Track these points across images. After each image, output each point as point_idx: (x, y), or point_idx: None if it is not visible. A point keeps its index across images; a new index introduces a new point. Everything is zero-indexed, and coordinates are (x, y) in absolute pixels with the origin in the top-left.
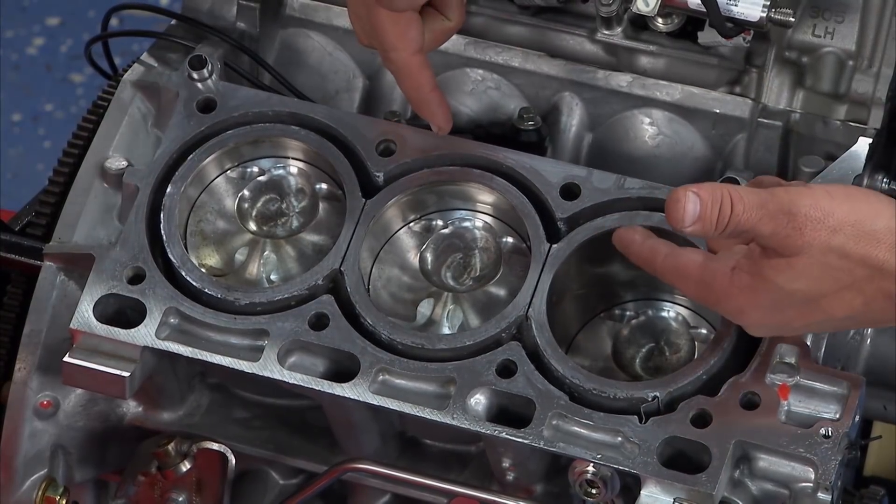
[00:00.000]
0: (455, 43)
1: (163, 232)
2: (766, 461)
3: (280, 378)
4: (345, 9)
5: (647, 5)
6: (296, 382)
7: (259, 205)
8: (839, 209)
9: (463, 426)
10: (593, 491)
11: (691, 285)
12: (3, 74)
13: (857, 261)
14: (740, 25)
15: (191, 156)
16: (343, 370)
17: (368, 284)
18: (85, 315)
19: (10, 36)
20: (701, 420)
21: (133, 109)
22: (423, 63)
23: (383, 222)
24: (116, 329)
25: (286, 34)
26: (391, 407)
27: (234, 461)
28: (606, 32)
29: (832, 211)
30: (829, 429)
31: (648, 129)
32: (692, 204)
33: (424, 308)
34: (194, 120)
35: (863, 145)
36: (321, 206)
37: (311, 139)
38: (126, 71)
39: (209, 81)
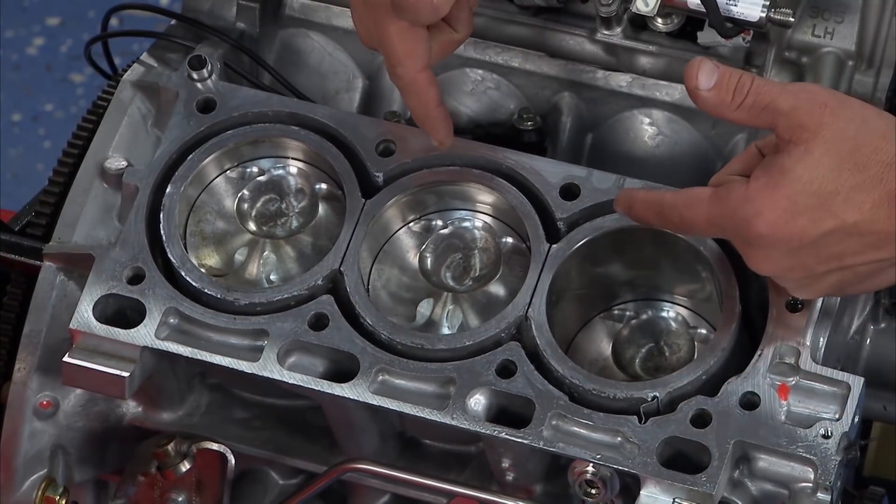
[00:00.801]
0: None
1: (162, 232)
2: (765, 461)
3: (280, 378)
4: (345, 9)
5: (647, 5)
6: (295, 383)
7: (259, 205)
8: (854, 101)
9: (462, 426)
10: (593, 491)
11: (703, 209)
12: (3, 74)
13: (868, 153)
14: (740, 25)
15: (190, 156)
16: (343, 370)
17: (368, 284)
18: (85, 315)
19: (10, 36)
20: (701, 420)
21: (133, 109)
22: (429, 79)
23: (383, 222)
24: (116, 329)
25: (286, 34)
26: (391, 407)
27: (233, 461)
28: (606, 32)
29: (850, 102)
30: (829, 429)
31: (648, 129)
32: (709, 67)
33: (424, 308)
34: (194, 120)
35: None
36: (321, 206)
37: (311, 139)
38: (126, 71)
39: (209, 81)
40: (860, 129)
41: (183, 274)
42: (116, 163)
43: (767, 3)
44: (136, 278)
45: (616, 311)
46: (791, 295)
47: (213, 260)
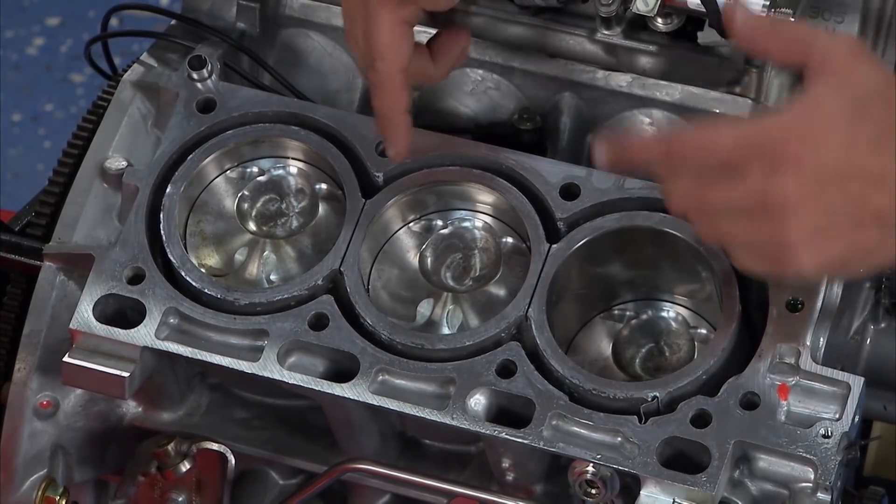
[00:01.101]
0: None
1: (162, 232)
2: (765, 461)
3: (280, 378)
4: None
5: (647, 5)
6: (295, 383)
7: (259, 205)
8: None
9: (462, 426)
10: (593, 491)
11: (730, 129)
12: (3, 74)
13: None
14: None
15: (190, 156)
16: (343, 370)
17: (368, 285)
18: (84, 315)
19: (10, 36)
20: (701, 420)
21: (133, 109)
22: (405, 83)
23: (383, 222)
24: (116, 329)
25: (286, 34)
26: (391, 407)
27: (233, 461)
28: (606, 32)
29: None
30: (829, 429)
31: (648, 129)
32: (744, 9)
33: (424, 308)
34: (194, 120)
35: None
36: (321, 206)
37: (311, 139)
38: (126, 71)
39: (209, 82)
40: (888, 78)
41: (183, 274)
42: (116, 163)
43: (767, 3)
44: (136, 278)
45: (616, 311)
46: (790, 289)
47: (213, 260)
